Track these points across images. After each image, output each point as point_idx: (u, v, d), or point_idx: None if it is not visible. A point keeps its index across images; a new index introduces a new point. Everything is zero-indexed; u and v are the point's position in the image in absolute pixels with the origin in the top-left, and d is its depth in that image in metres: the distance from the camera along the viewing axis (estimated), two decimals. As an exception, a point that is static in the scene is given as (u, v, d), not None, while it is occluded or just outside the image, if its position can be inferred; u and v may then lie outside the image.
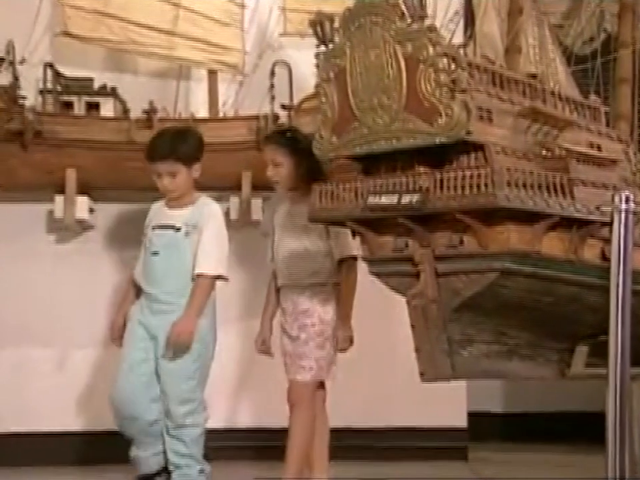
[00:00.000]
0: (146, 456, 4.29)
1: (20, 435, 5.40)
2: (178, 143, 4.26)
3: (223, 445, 5.17)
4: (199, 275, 4.23)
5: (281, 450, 5.05)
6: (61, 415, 5.49)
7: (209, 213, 4.31)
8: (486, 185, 3.66)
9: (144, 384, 4.20)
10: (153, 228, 4.32)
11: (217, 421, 5.31)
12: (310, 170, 4.25)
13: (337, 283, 4.36)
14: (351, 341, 4.36)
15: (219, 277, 4.33)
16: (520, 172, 3.71)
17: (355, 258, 4.29)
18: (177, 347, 4.16)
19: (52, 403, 5.47)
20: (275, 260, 4.40)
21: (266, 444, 5.27)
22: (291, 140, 4.33)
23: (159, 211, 4.40)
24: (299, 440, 4.28)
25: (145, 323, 4.24)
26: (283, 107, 5.43)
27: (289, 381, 4.35)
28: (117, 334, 4.39)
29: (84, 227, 5.52)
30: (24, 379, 5.49)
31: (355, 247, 4.21)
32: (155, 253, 4.24)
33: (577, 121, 4.18)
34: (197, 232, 4.24)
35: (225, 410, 5.49)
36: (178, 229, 4.25)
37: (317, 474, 4.39)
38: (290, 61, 5.48)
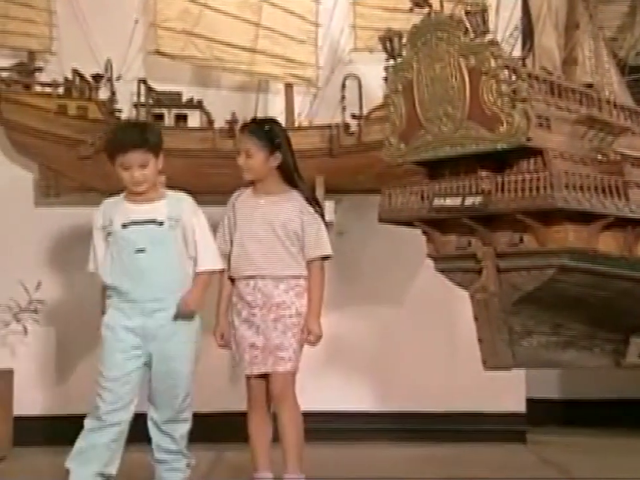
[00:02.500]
0: (85, 475, 3.61)
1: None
2: (146, 132, 3.73)
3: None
4: (203, 272, 3.73)
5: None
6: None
7: (191, 207, 3.76)
8: (545, 188, 3.66)
9: (131, 391, 3.65)
10: (124, 225, 3.66)
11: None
12: (283, 165, 3.84)
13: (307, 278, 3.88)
14: (320, 337, 3.87)
15: (220, 271, 3.84)
16: (577, 175, 3.70)
17: (324, 258, 3.88)
18: (184, 315, 3.69)
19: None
20: (238, 250, 3.85)
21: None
22: (266, 133, 3.85)
23: (119, 208, 3.72)
24: (296, 436, 3.82)
25: (136, 328, 3.64)
26: (353, 116, 5.43)
27: (251, 375, 3.79)
28: None
29: (173, 227, 5.59)
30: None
31: (327, 246, 3.84)
32: (140, 250, 3.63)
33: (631, 127, 4.14)
34: (180, 226, 3.69)
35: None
36: (161, 223, 3.67)
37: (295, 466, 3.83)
38: (359, 74, 5.47)
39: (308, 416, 5.30)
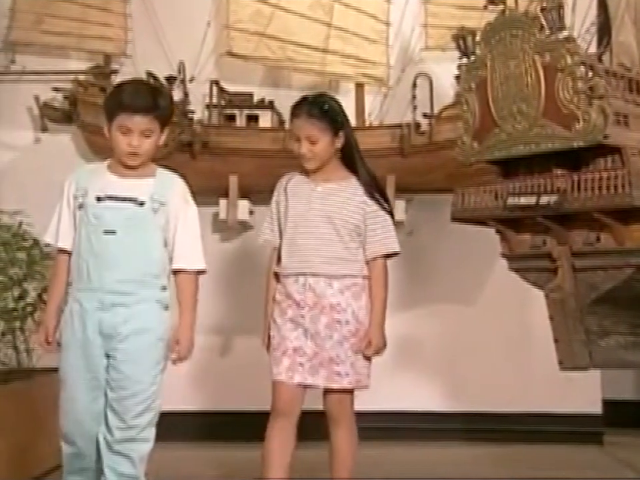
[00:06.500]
0: None
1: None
2: (158, 97, 3.12)
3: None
4: (189, 272, 3.13)
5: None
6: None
7: (182, 191, 3.14)
8: (623, 186, 3.59)
9: (98, 407, 3.04)
10: (99, 199, 3.05)
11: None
12: (346, 146, 3.38)
13: (366, 277, 3.39)
14: (384, 348, 3.38)
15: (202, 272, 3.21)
16: (657, 174, 3.62)
17: (389, 256, 3.43)
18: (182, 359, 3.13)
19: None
20: (289, 245, 3.37)
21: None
22: (326, 112, 3.34)
23: (98, 178, 3.11)
24: (351, 461, 3.37)
25: (94, 323, 3.01)
26: (425, 115, 5.42)
27: (296, 385, 3.29)
28: (53, 337, 3.10)
29: (245, 227, 5.64)
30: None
31: (395, 242, 3.41)
32: (110, 232, 3.01)
33: None
34: (165, 211, 3.07)
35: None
36: (141, 204, 3.05)
37: None
38: (430, 73, 5.46)
39: (379, 415, 5.36)
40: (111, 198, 3.06)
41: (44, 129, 5.48)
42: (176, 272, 3.13)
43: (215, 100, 5.52)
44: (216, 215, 5.56)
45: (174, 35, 5.46)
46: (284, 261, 3.38)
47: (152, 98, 3.08)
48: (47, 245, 3.40)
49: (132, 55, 5.49)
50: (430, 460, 4.88)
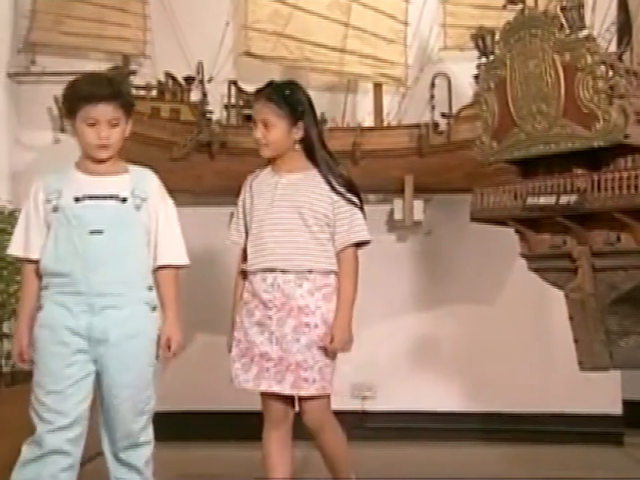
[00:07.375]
0: None
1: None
2: (120, 85, 3.01)
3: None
4: (171, 267, 3.03)
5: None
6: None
7: (158, 187, 3.04)
8: (644, 186, 3.58)
9: (77, 406, 2.90)
10: (77, 199, 2.91)
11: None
12: (305, 139, 3.24)
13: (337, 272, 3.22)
14: (350, 342, 3.20)
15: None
16: (677, 173, 3.61)
17: (359, 245, 3.25)
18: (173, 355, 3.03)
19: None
20: (255, 239, 3.21)
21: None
22: (286, 98, 3.20)
23: (69, 179, 2.98)
24: (344, 458, 3.30)
25: (81, 328, 2.87)
26: (443, 115, 5.41)
27: (265, 393, 3.19)
28: (27, 353, 2.96)
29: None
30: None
31: (364, 231, 3.25)
32: (96, 232, 2.87)
33: None
34: (146, 207, 2.96)
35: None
36: (124, 200, 2.93)
37: None
38: (449, 73, 5.46)
39: (397, 415, 5.36)
40: (90, 197, 2.93)
41: (63, 130, 5.50)
42: (158, 268, 3.02)
43: (233, 100, 5.52)
44: (232, 215, 5.55)
45: (192, 35, 5.47)
46: (250, 257, 3.23)
47: (113, 86, 2.97)
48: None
49: (150, 56, 5.50)
50: (447, 460, 4.88)
